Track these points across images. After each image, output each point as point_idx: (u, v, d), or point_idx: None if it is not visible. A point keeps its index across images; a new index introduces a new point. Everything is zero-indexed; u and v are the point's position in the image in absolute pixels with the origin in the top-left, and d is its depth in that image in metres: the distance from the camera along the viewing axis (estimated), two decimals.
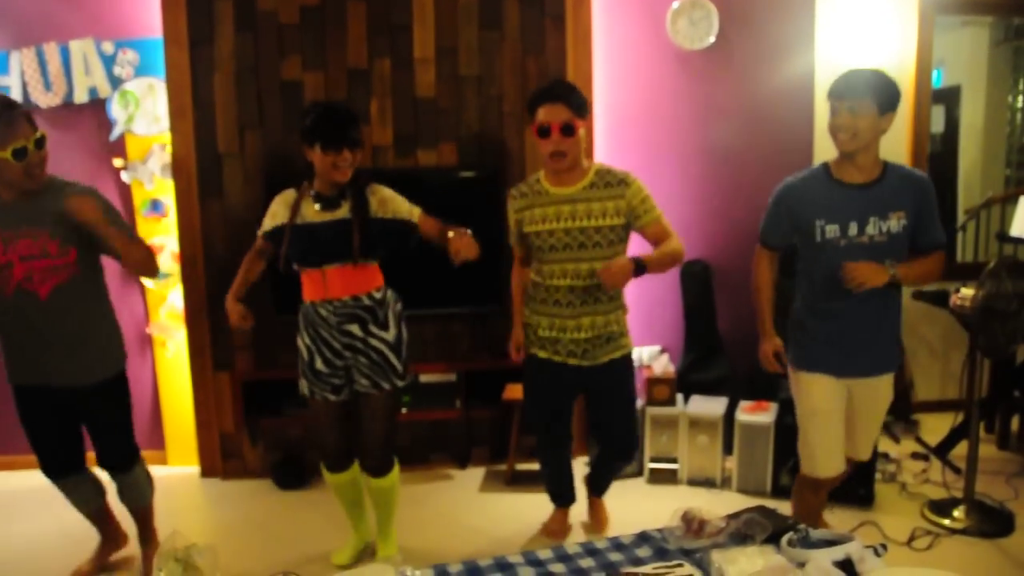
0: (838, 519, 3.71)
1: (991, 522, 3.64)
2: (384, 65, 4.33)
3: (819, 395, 2.93)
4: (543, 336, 3.28)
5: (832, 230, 2.79)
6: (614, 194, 3.13)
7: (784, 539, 1.96)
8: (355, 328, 3.13)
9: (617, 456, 3.54)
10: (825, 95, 2.78)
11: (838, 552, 1.85)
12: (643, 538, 2.13)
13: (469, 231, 2.97)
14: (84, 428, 3.21)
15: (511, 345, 3.46)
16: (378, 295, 3.16)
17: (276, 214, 3.19)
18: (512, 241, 3.42)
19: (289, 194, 3.19)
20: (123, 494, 3.32)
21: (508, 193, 3.34)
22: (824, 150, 4.57)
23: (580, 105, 3.11)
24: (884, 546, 2.38)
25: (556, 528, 3.68)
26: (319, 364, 3.19)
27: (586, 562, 2.01)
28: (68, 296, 2.96)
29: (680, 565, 1.88)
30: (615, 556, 2.04)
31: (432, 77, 4.35)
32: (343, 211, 3.09)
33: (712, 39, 4.50)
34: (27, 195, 2.88)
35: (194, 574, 1.75)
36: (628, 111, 4.56)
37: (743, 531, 2.04)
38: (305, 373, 3.24)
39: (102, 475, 3.34)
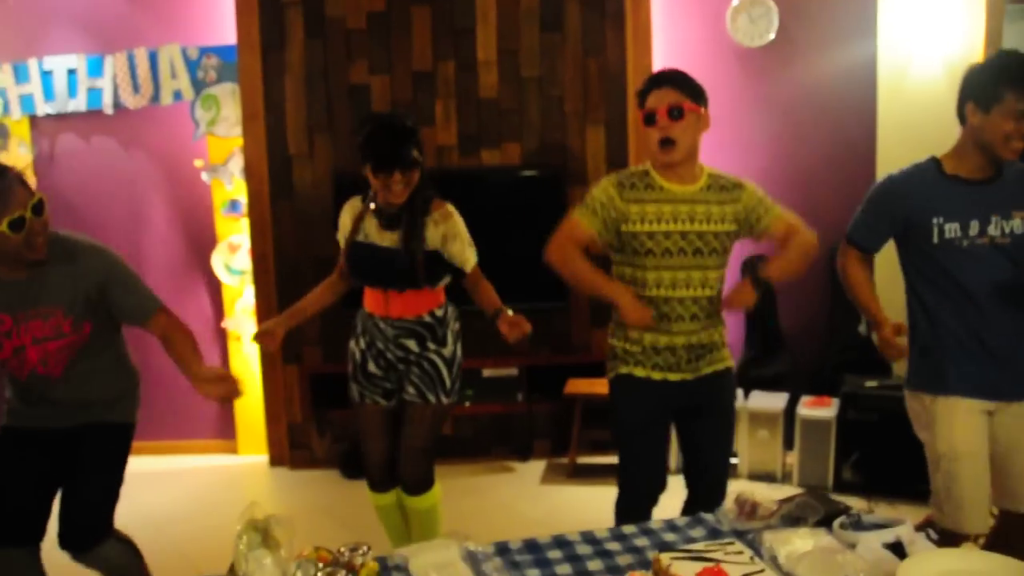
0: (905, 515, 3.66)
1: None
2: (448, 68, 4.45)
3: (963, 430, 2.49)
4: (648, 345, 2.71)
5: (952, 229, 2.48)
6: (730, 198, 2.73)
7: (836, 522, 1.99)
8: (412, 343, 3.04)
9: (704, 503, 2.75)
10: (997, 86, 2.40)
11: (888, 535, 1.88)
12: (697, 520, 2.19)
13: (524, 319, 2.84)
14: (61, 489, 2.70)
15: (628, 308, 2.61)
16: (439, 312, 3.06)
17: (344, 226, 3.07)
18: (590, 227, 2.71)
19: (355, 203, 3.06)
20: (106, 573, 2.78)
21: (609, 178, 2.74)
22: (888, 143, 4.53)
23: (692, 89, 2.69)
24: (940, 534, 2.39)
25: None
26: (372, 367, 3.10)
27: (641, 541, 2.07)
28: (82, 365, 2.65)
29: (731, 543, 1.93)
30: (669, 536, 2.10)
31: (495, 79, 4.46)
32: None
33: (772, 36, 4.51)
34: (32, 268, 2.49)
35: (272, 543, 1.85)
36: None
37: (795, 514, 2.08)
38: (356, 377, 3.16)
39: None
